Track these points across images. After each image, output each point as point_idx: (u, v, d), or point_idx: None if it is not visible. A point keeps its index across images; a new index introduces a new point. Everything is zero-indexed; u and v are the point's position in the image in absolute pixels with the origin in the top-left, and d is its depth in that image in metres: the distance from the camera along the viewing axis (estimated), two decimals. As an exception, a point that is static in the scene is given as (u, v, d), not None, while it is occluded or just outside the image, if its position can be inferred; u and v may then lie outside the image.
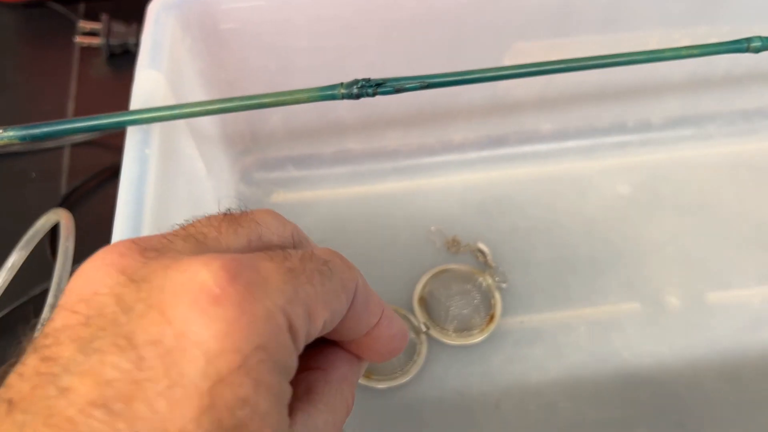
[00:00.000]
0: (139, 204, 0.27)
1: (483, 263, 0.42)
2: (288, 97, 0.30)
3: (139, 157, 0.29)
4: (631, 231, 0.44)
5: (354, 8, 0.38)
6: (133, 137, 0.29)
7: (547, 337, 0.39)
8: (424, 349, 0.39)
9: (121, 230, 0.26)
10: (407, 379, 0.38)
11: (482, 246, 0.43)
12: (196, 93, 0.39)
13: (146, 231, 0.27)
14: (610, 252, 0.43)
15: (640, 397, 0.37)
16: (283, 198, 0.46)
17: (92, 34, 0.54)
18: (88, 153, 0.49)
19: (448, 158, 0.48)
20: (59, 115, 0.51)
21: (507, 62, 0.42)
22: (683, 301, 0.41)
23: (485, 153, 0.48)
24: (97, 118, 0.29)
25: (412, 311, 0.40)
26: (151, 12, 0.35)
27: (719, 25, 0.42)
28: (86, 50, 0.55)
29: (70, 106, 0.53)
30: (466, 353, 0.39)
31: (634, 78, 0.45)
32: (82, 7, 0.58)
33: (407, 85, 0.29)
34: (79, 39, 0.54)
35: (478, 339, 0.39)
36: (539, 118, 0.47)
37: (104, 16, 0.54)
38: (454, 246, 0.43)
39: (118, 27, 0.54)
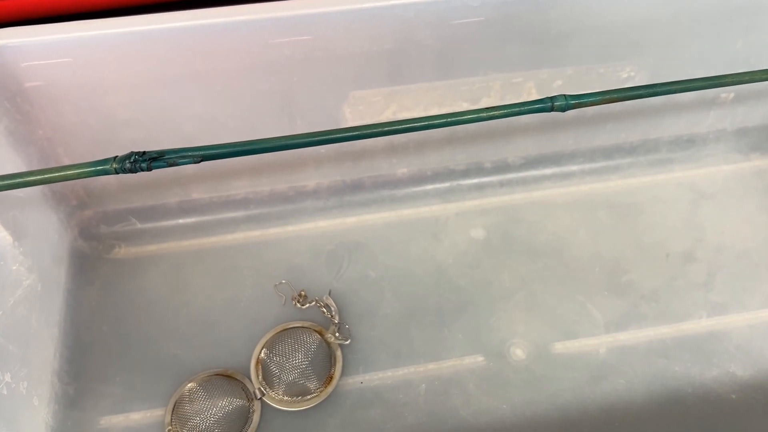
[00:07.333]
0: None
1: (328, 319, 0.41)
2: (56, 174, 0.28)
3: None
4: (481, 278, 0.43)
5: (171, 61, 0.36)
6: None
7: (386, 397, 0.38)
8: (256, 417, 0.37)
9: None
10: (234, 450, 0.36)
11: (328, 300, 0.41)
12: (5, 153, 0.36)
13: None
14: (459, 301, 0.42)
15: (476, 459, 0.36)
16: (124, 253, 0.44)
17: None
18: None
19: (302, 205, 0.46)
20: None
21: (346, 109, 0.41)
22: (528, 353, 0.40)
23: (340, 198, 0.46)
24: None
25: (248, 375, 0.38)
26: (-69, 76, 0.32)
27: (562, 67, 0.41)
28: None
29: None
30: (300, 419, 0.37)
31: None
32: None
33: (181, 160, 0.27)
34: None
35: (314, 403, 0.38)
36: (393, 162, 0.45)
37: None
38: (301, 300, 0.42)
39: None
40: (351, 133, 0.28)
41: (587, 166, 0.48)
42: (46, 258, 0.39)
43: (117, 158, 0.28)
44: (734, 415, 0.37)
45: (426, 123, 0.29)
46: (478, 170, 0.47)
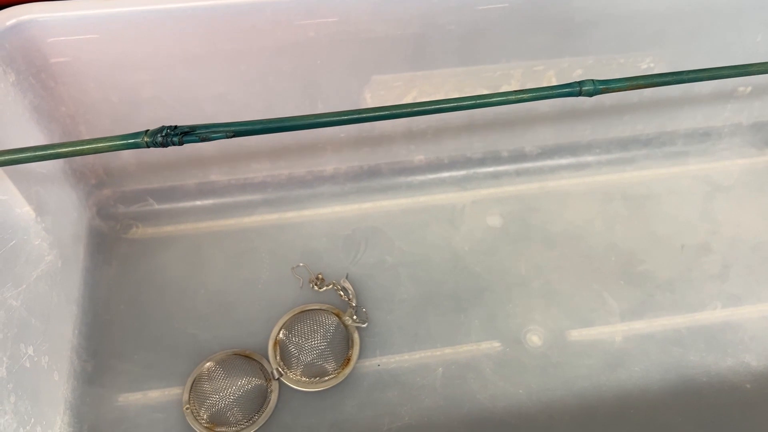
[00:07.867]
0: None
1: (345, 302, 0.41)
2: (87, 147, 0.28)
3: None
4: (498, 265, 0.43)
5: (196, 40, 0.36)
6: None
7: (403, 379, 0.38)
8: (274, 397, 0.37)
9: None
10: (253, 431, 0.36)
11: (346, 283, 0.41)
12: (29, 129, 0.36)
13: None
14: (476, 287, 0.42)
15: (493, 442, 0.36)
16: (141, 233, 0.44)
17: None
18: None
19: (319, 190, 0.46)
20: None
21: (367, 94, 0.41)
22: (544, 340, 0.40)
23: (357, 184, 0.46)
24: None
25: (266, 356, 0.39)
26: (-41, 48, 0.32)
27: (583, 56, 0.42)
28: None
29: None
30: (318, 399, 0.38)
31: (502, 109, 0.44)
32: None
33: (213, 135, 0.27)
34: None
35: (331, 384, 0.38)
36: (410, 148, 0.45)
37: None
38: (318, 283, 0.42)
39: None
40: (381, 113, 0.28)
41: (603, 157, 0.48)
42: (66, 235, 0.39)
43: (149, 132, 0.28)
44: (748, 403, 0.38)
45: (454, 105, 0.29)
46: (495, 159, 0.47)
